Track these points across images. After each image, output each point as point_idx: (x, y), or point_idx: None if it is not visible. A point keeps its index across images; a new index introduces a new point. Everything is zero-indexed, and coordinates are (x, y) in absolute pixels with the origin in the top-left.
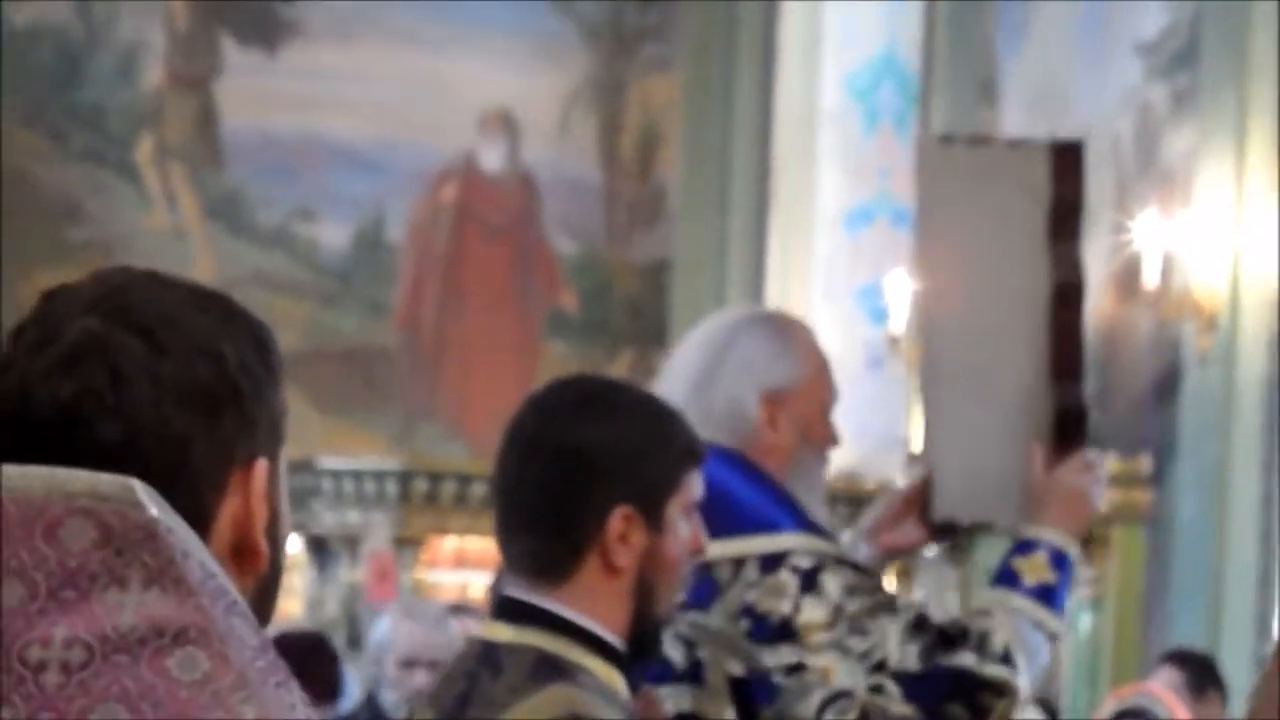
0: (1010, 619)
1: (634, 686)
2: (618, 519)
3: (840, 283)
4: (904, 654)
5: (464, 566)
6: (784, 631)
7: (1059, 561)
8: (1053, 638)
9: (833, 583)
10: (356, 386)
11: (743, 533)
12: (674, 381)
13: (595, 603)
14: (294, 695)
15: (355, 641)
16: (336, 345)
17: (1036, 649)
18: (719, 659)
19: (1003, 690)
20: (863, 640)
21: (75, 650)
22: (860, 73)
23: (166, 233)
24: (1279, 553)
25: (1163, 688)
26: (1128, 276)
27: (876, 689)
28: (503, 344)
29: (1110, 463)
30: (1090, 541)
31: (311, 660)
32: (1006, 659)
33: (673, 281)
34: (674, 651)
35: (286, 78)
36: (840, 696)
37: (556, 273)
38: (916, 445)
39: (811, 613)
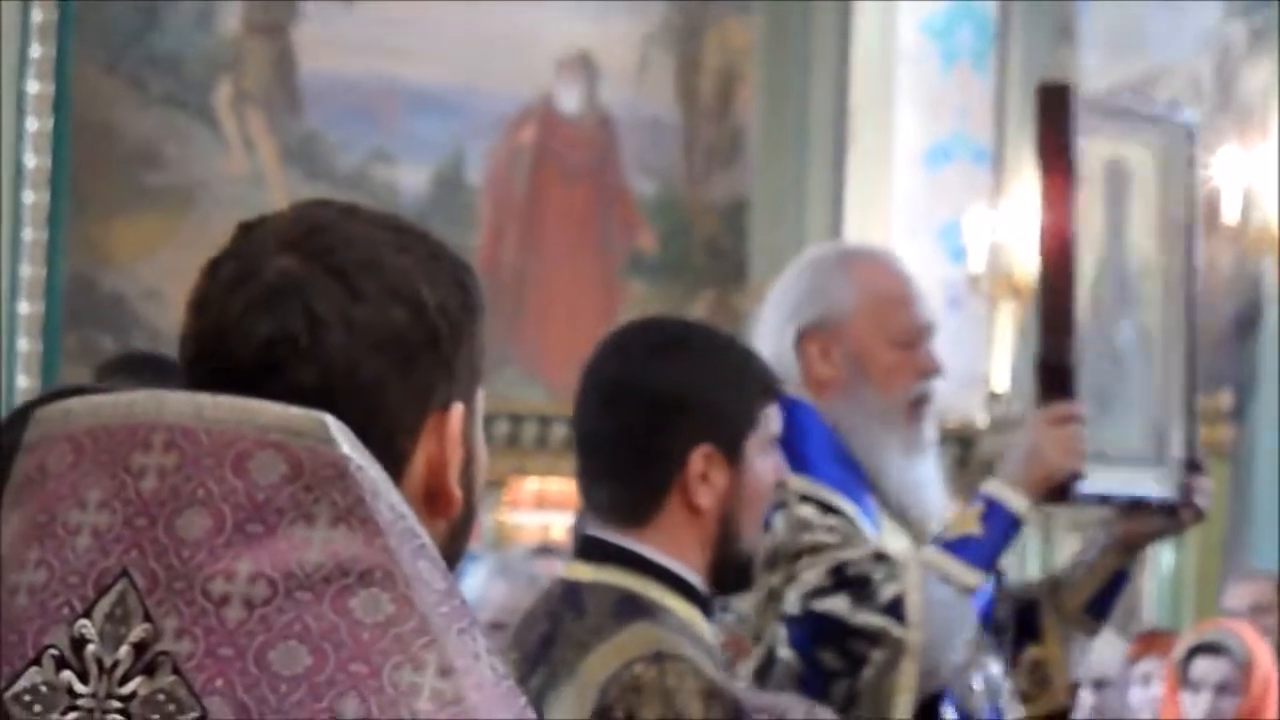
0: (918, 571)
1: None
2: (698, 458)
3: (919, 222)
4: (788, 598)
5: (545, 508)
6: None
7: (994, 515)
8: (964, 591)
9: (783, 521)
10: None
11: None
12: (757, 323)
13: (677, 544)
14: (478, 643)
15: None
16: None
17: (947, 602)
18: None
19: (878, 639)
20: (772, 576)
21: (259, 585)
22: (937, 17)
23: (245, 178)
24: None
25: (1235, 618)
26: (1208, 212)
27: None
28: (582, 286)
29: None
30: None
31: None
32: (891, 609)
33: (752, 221)
34: None
35: (364, 23)
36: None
37: (635, 214)
38: (996, 384)
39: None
